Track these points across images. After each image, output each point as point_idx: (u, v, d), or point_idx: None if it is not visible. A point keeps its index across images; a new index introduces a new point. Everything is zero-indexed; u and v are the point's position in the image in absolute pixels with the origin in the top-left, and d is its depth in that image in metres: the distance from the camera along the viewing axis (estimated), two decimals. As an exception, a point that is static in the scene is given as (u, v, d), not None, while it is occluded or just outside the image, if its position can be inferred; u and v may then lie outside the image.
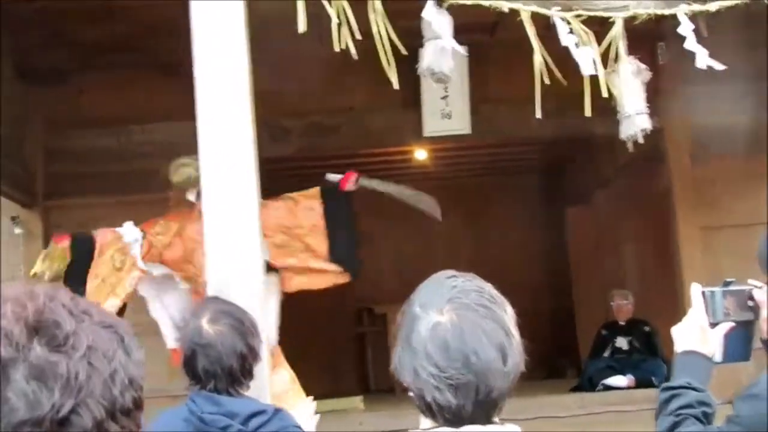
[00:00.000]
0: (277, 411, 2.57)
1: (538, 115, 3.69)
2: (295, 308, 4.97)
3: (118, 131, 7.78)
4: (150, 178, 6.48)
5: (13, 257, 7.95)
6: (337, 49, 3.63)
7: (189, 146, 7.83)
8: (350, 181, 5.00)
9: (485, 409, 1.53)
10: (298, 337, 7.11)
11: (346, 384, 9.59)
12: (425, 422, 1.57)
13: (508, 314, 1.58)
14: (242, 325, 2.64)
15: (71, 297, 1.13)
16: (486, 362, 1.50)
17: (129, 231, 4.66)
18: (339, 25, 3.62)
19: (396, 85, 3.63)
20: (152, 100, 7.64)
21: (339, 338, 10.66)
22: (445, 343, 1.51)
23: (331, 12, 3.57)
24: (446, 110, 7.95)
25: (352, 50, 3.61)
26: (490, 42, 7.37)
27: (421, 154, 9.44)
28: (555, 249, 11.04)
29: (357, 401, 7.54)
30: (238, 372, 2.58)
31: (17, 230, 8.10)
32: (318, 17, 3.67)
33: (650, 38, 5.87)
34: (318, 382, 8.99)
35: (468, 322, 1.53)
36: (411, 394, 1.57)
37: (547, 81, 3.73)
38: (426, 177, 10.42)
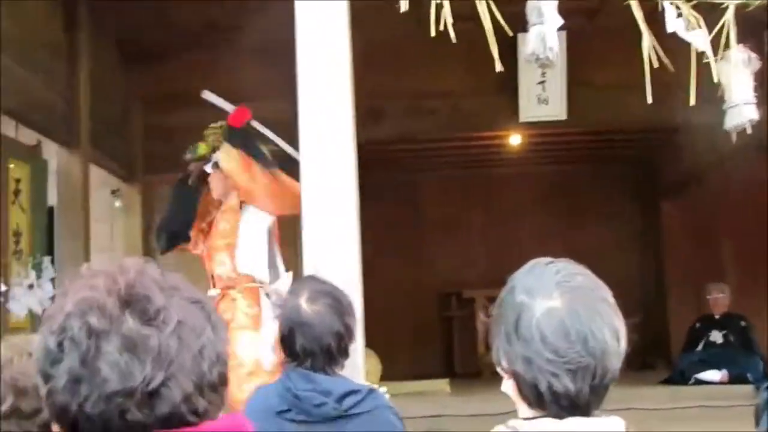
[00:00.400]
0: (371, 391, 2.58)
1: (649, 100, 3.61)
2: (382, 291, 5.00)
3: (218, 108, 7.89)
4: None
5: (114, 229, 8.20)
6: (434, 33, 3.60)
7: (284, 125, 7.94)
8: (243, 119, 4.94)
9: (599, 394, 1.51)
10: (385, 320, 7.16)
11: (431, 367, 9.60)
12: (526, 411, 1.55)
13: (611, 296, 1.56)
14: (340, 305, 2.65)
15: (161, 272, 1.14)
16: (603, 343, 1.49)
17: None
18: (438, 7, 3.59)
19: (500, 69, 3.59)
20: (248, 80, 7.73)
21: (425, 322, 10.67)
22: (563, 327, 1.49)
23: (432, -6, 3.56)
24: (543, 95, 7.88)
25: (451, 34, 3.58)
26: (589, 27, 7.27)
27: (515, 140, 9.36)
28: (648, 241, 10.85)
29: (443, 384, 7.54)
30: (334, 351, 2.59)
31: (117, 203, 8.33)
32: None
33: (759, 27, 5.69)
34: (404, 364, 9.09)
35: (581, 305, 1.51)
36: (510, 382, 1.55)
37: (655, 64, 3.65)
38: (519, 162, 10.34)
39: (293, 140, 7.49)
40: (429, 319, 10.80)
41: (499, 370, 1.58)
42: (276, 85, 7.88)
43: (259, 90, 7.72)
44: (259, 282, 4.64)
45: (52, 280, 6.36)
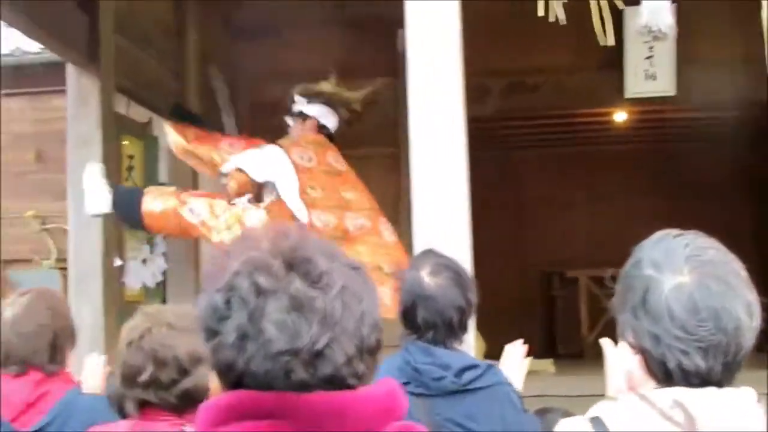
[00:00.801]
0: (490, 366, 2.57)
1: (768, 72, 3.50)
2: (484, 270, 4.95)
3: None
4: (350, 134, 6.66)
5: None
6: (541, 12, 3.56)
7: (389, 102, 7.96)
8: None
9: (732, 370, 1.46)
10: (487, 299, 7.12)
11: (533, 347, 9.51)
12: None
13: (743, 269, 1.51)
14: (462, 279, 2.64)
15: (320, 239, 1.16)
16: (736, 320, 1.44)
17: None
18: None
19: (609, 43, 3.54)
20: (353, 55, 7.77)
21: (528, 301, 10.60)
22: (693, 304, 1.44)
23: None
24: (650, 71, 7.70)
25: (561, 15, 3.54)
26: (698, 2, 7.08)
27: (620, 117, 9.19)
28: (761, 224, 10.50)
29: (547, 364, 7.48)
30: (456, 325, 2.59)
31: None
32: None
33: None
34: (506, 344, 9.00)
35: (713, 280, 1.46)
36: (635, 358, 1.52)
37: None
38: (624, 140, 10.15)
39: (399, 117, 7.52)
40: (531, 298, 10.72)
41: (623, 344, 1.54)
42: (381, 62, 7.94)
43: (364, 67, 7.77)
44: None
45: (164, 254, 6.54)
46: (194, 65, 6.90)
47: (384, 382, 1.15)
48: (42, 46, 8.23)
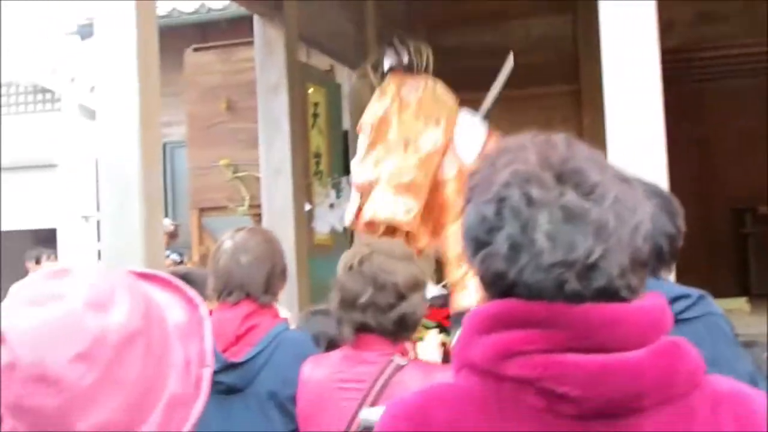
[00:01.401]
0: (702, 297, 2.48)
1: None
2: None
3: (499, 27, 7.88)
4: (528, 73, 6.58)
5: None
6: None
7: (563, 40, 7.78)
8: None
9: None
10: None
11: (724, 286, 9.21)
12: None
13: None
14: (671, 206, 2.56)
15: (589, 149, 1.14)
16: None
17: None
18: None
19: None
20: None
21: (718, 239, 10.22)
22: None
23: None
24: None
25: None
26: None
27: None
28: None
29: (742, 302, 7.23)
30: (666, 253, 2.51)
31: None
32: None
33: None
34: (696, 283, 8.73)
35: None
36: None
37: None
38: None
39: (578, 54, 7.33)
40: (722, 236, 10.33)
41: None
42: (554, 1, 7.78)
43: (538, 7, 7.65)
44: None
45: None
46: (372, 13, 6.94)
47: (652, 295, 1.12)
48: (226, 2, 8.54)
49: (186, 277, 2.80)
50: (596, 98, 7.80)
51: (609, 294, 1.06)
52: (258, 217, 6.17)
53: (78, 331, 1.13)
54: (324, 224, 6.29)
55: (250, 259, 2.72)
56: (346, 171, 6.87)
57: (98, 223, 11.47)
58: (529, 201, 1.06)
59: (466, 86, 7.79)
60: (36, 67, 12.02)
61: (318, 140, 6.34)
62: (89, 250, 11.30)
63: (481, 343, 1.09)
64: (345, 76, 7.00)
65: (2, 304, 1.17)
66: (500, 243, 1.07)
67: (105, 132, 3.78)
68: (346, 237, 6.69)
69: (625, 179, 1.12)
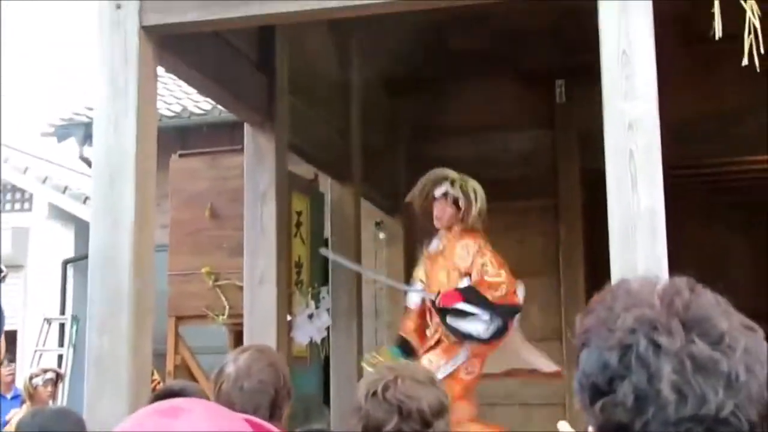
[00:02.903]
0: None
1: None
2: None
3: (479, 139, 7.92)
4: (504, 187, 6.58)
5: (377, 261, 8.37)
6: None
7: (542, 154, 7.81)
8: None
9: None
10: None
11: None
12: None
13: None
14: None
15: (712, 294, 1.09)
16: None
17: None
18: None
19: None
20: (514, 109, 7.72)
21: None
22: None
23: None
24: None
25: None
26: None
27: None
28: None
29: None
30: None
31: (381, 235, 8.50)
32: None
33: None
34: None
35: None
36: None
37: None
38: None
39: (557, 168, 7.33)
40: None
41: None
42: (541, 114, 7.86)
43: (523, 118, 7.72)
44: None
45: (328, 310, 6.57)
46: (356, 123, 6.96)
47: None
48: (208, 107, 8.56)
49: (182, 393, 2.67)
50: (573, 212, 7.89)
51: None
52: (237, 326, 6.04)
53: None
54: (303, 335, 6.16)
55: (253, 385, 2.63)
56: (326, 281, 6.78)
57: (61, 326, 11.22)
58: (657, 350, 1.01)
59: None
60: (8, 165, 11.92)
61: (300, 249, 6.27)
62: (50, 353, 11.01)
63: None
64: (328, 186, 6.96)
65: None
66: (625, 393, 1.01)
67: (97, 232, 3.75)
68: (321, 350, 6.55)
69: (750, 327, 1.06)
